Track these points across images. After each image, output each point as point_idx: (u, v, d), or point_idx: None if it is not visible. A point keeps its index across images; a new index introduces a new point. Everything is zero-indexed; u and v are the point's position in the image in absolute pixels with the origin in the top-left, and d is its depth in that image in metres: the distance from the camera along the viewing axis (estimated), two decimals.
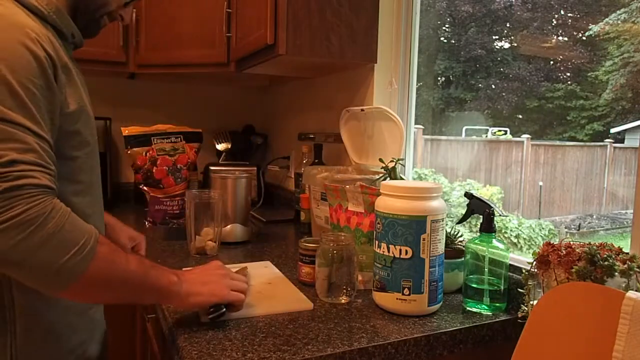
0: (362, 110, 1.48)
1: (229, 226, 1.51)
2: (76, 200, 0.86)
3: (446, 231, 1.08)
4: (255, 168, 2.20)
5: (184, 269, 0.96)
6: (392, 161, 1.26)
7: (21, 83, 0.70)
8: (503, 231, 3.25)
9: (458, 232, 1.22)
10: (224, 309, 0.89)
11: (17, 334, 0.81)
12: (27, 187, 0.67)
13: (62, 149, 0.81)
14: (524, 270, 0.95)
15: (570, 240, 0.88)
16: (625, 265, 0.78)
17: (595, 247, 0.82)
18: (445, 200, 1.31)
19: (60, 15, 0.85)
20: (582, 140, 3.53)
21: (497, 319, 0.98)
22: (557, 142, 3.62)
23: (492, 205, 1.06)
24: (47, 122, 0.74)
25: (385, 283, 0.98)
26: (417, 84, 1.62)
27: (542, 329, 0.76)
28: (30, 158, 0.69)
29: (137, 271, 0.79)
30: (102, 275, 0.74)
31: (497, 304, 1.01)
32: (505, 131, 3.80)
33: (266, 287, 1.11)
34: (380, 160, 1.26)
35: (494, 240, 1.02)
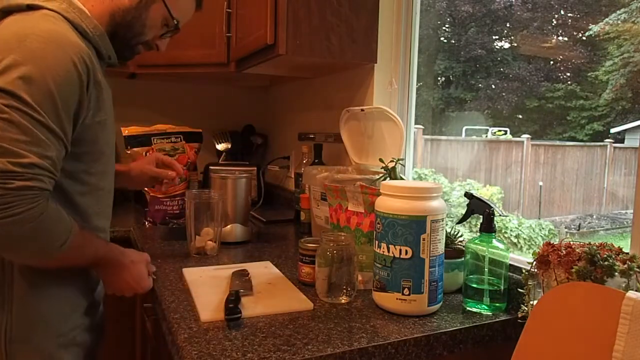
0: (362, 110, 1.48)
1: (229, 226, 1.51)
2: (81, 199, 0.96)
3: (446, 231, 1.08)
4: (255, 168, 2.20)
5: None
6: (392, 161, 1.26)
7: (62, 97, 0.82)
8: (503, 231, 3.25)
9: (458, 232, 1.22)
10: (240, 315, 0.92)
11: (14, 314, 0.90)
12: (34, 189, 0.78)
13: (77, 154, 0.91)
14: (524, 270, 0.95)
15: (570, 240, 0.88)
16: (625, 265, 0.78)
17: (595, 247, 0.82)
18: (445, 200, 1.31)
19: (102, 38, 0.97)
20: (582, 140, 3.53)
21: (497, 319, 0.98)
22: (557, 142, 3.62)
23: (492, 205, 1.06)
24: (70, 132, 0.86)
25: (385, 283, 0.98)
26: (417, 84, 1.62)
27: (542, 329, 0.76)
28: (45, 164, 0.80)
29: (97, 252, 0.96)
30: (71, 256, 0.89)
31: (497, 304, 1.01)
32: (505, 131, 3.80)
33: (266, 287, 1.10)
34: (380, 160, 1.26)
35: (494, 240, 1.02)
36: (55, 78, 0.81)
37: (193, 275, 1.18)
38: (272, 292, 1.08)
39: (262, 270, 1.23)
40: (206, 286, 1.10)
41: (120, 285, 1.03)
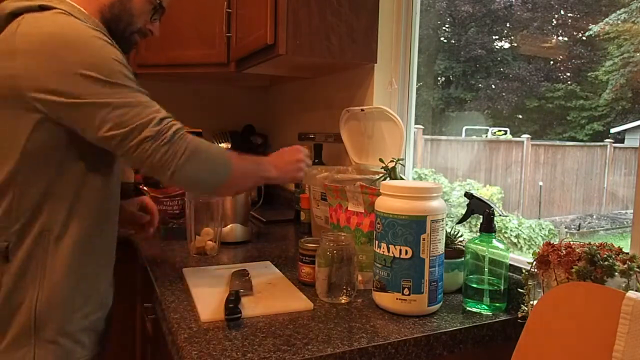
0: (362, 110, 1.48)
1: (229, 226, 1.51)
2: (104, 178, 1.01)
3: (446, 231, 1.08)
4: None
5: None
6: (392, 161, 1.26)
7: (129, 78, 0.93)
8: (503, 231, 3.25)
9: (458, 232, 1.22)
10: (240, 314, 0.92)
11: (45, 290, 0.92)
12: (179, 130, 0.95)
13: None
14: (524, 270, 0.95)
15: (570, 240, 0.88)
16: (625, 265, 0.78)
17: (595, 247, 0.82)
18: (445, 200, 1.31)
19: (104, 34, 0.97)
20: (582, 140, 3.53)
21: (497, 319, 0.98)
22: (557, 142, 3.62)
23: (492, 205, 1.06)
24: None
25: (385, 283, 0.98)
26: (417, 84, 1.62)
27: (542, 329, 0.76)
28: (164, 114, 0.94)
29: (253, 169, 1.09)
30: (239, 175, 1.04)
31: (497, 304, 1.01)
32: (505, 131, 3.80)
33: (266, 287, 1.10)
34: (380, 160, 1.26)
35: (494, 240, 1.02)
36: (117, 56, 0.92)
37: (193, 275, 1.18)
38: (272, 292, 1.08)
39: (262, 270, 1.23)
40: (206, 286, 1.10)
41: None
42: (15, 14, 0.91)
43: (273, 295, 1.06)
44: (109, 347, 1.13)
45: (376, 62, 1.58)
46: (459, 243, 1.19)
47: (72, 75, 0.86)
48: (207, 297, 1.03)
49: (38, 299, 0.92)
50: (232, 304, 0.94)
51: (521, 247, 3.25)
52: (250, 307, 0.98)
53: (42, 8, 0.90)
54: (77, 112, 0.87)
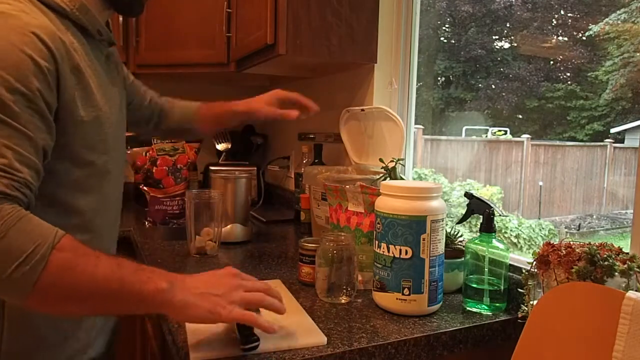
0: (362, 110, 1.48)
1: (229, 226, 1.51)
2: (80, 201, 0.84)
3: (446, 231, 1.08)
4: (255, 168, 2.20)
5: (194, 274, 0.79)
6: (392, 161, 1.26)
7: (9, 87, 0.67)
8: (503, 231, 3.25)
9: (458, 232, 1.22)
10: (258, 342, 0.77)
11: (4, 339, 0.79)
12: None
13: (66, 150, 0.79)
14: (524, 270, 0.95)
15: (570, 240, 0.88)
16: (625, 265, 0.78)
17: (595, 247, 0.82)
18: (445, 200, 1.31)
19: (84, 11, 0.82)
20: (582, 140, 3.53)
21: (497, 319, 0.98)
22: (557, 142, 3.62)
23: (492, 205, 1.06)
24: (37, 123, 0.70)
25: (385, 283, 0.98)
26: (417, 84, 1.62)
27: (542, 329, 0.76)
28: None
29: (108, 278, 0.67)
30: (60, 285, 0.65)
31: (497, 304, 1.01)
32: (505, 131, 3.80)
33: (273, 315, 0.87)
34: (380, 160, 1.26)
35: (494, 240, 1.02)
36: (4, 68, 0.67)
37: None
38: (281, 321, 0.87)
39: None
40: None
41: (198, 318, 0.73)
42: None
43: (281, 325, 0.86)
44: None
45: (376, 62, 1.58)
46: (459, 243, 1.19)
47: None
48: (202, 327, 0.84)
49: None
50: (247, 330, 0.78)
51: (521, 247, 3.25)
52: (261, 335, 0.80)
53: None
54: None
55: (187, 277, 0.75)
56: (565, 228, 3.44)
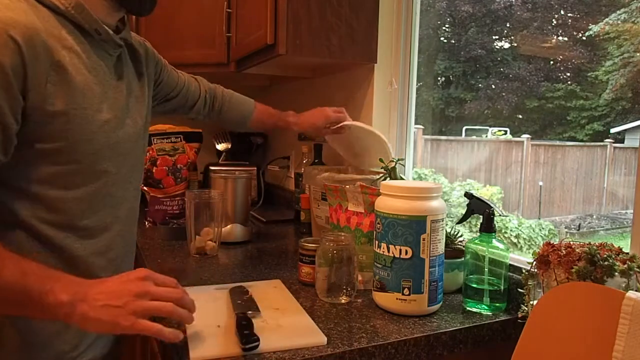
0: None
1: (229, 226, 1.51)
2: (70, 205, 0.83)
3: (446, 231, 1.08)
4: (255, 168, 2.20)
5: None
6: (392, 161, 1.26)
7: None
8: (503, 231, 3.25)
9: (458, 232, 1.22)
10: (258, 342, 0.78)
11: (3, 338, 0.79)
12: None
13: (37, 149, 0.78)
14: (524, 270, 0.95)
15: (570, 240, 0.88)
16: (625, 265, 0.78)
17: (595, 247, 0.82)
18: (445, 200, 1.30)
19: (79, 10, 0.81)
20: (582, 140, 3.53)
21: (497, 319, 0.98)
22: (557, 142, 3.62)
23: (492, 205, 1.06)
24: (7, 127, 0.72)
25: (385, 283, 0.98)
26: (417, 84, 1.62)
27: (542, 329, 0.76)
28: None
29: (9, 287, 0.68)
30: None
31: (497, 304, 1.01)
32: (505, 131, 3.80)
33: (273, 315, 0.93)
34: (380, 160, 1.26)
35: (494, 240, 1.02)
36: None
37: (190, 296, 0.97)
38: (279, 320, 0.91)
39: (270, 292, 1.06)
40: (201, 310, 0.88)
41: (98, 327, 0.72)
42: None
43: (280, 325, 0.89)
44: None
45: (376, 62, 1.58)
46: (459, 243, 1.19)
47: None
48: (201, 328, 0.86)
49: None
50: (247, 330, 0.80)
51: (521, 247, 3.25)
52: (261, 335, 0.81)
53: None
54: None
55: (91, 287, 0.72)
56: (565, 228, 3.44)
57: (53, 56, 0.77)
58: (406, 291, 0.95)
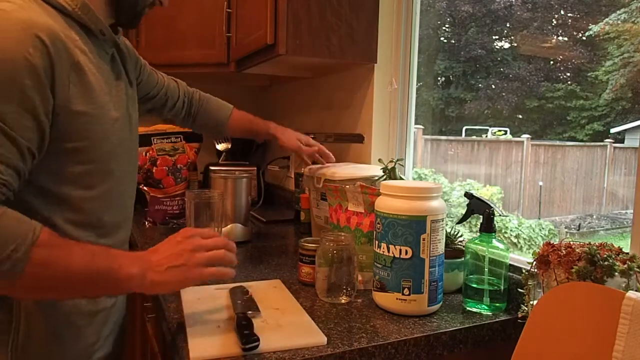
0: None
1: (229, 226, 1.51)
2: (89, 204, 0.86)
3: (446, 231, 1.08)
4: (255, 168, 2.20)
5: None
6: (391, 161, 1.26)
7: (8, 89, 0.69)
8: (503, 231, 3.25)
9: (458, 232, 1.22)
10: (258, 342, 0.78)
11: (20, 332, 0.81)
12: None
13: (62, 148, 0.79)
14: (524, 270, 0.95)
15: (570, 240, 0.88)
16: (625, 265, 0.78)
17: (595, 247, 0.82)
18: (445, 200, 1.31)
19: (85, 11, 0.83)
20: (582, 140, 3.53)
21: (497, 319, 0.98)
22: (557, 142, 3.62)
23: (492, 205, 1.06)
24: (26, 123, 0.72)
25: (385, 283, 0.98)
26: (417, 84, 1.62)
27: (542, 329, 0.76)
28: None
29: (82, 270, 0.73)
30: (39, 278, 0.70)
31: (497, 304, 1.01)
32: (505, 131, 3.80)
33: (273, 315, 0.93)
34: (380, 160, 1.26)
35: (494, 240, 1.02)
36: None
37: (190, 296, 1.01)
38: (279, 320, 0.91)
39: (270, 292, 1.06)
40: (203, 308, 0.95)
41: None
42: None
43: (280, 325, 0.89)
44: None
45: (376, 62, 1.58)
46: (459, 243, 1.19)
47: None
48: (202, 327, 0.87)
49: (13, 344, 0.80)
50: (247, 330, 0.80)
51: (521, 247, 3.25)
52: (261, 335, 0.81)
53: None
54: None
55: (151, 256, 0.80)
56: (565, 228, 3.44)
57: (72, 57, 0.78)
58: (406, 291, 0.96)
